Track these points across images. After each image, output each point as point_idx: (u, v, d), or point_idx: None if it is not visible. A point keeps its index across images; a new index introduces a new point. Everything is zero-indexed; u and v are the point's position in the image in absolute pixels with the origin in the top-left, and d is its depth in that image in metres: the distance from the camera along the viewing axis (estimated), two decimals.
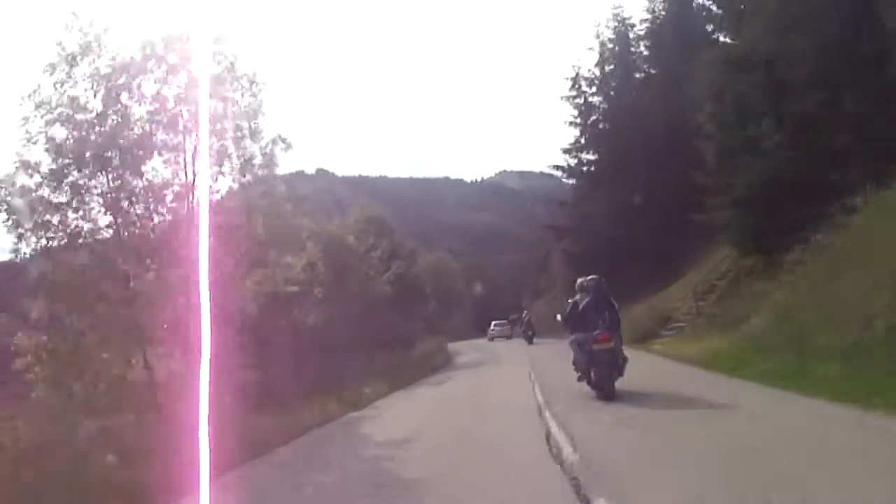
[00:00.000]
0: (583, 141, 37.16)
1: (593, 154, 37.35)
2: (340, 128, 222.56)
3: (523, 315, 36.66)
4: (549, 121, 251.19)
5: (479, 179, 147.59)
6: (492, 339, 44.79)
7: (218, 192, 12.29)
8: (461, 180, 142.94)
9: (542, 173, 76.21)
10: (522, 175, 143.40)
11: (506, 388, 14.40)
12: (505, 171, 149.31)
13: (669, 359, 15.21)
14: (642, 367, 12.35)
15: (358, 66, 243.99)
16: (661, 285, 26.49)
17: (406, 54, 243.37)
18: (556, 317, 12.10)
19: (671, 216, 27.41)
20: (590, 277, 11.00)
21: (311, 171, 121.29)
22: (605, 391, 9.73)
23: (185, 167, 11.38)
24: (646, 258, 29.00)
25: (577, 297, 10.83)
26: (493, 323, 46.68)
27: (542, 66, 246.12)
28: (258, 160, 12.31)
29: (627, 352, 10.67)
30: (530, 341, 32.41)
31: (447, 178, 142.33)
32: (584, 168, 38.08)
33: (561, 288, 37.34)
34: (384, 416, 12.84)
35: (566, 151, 37.87)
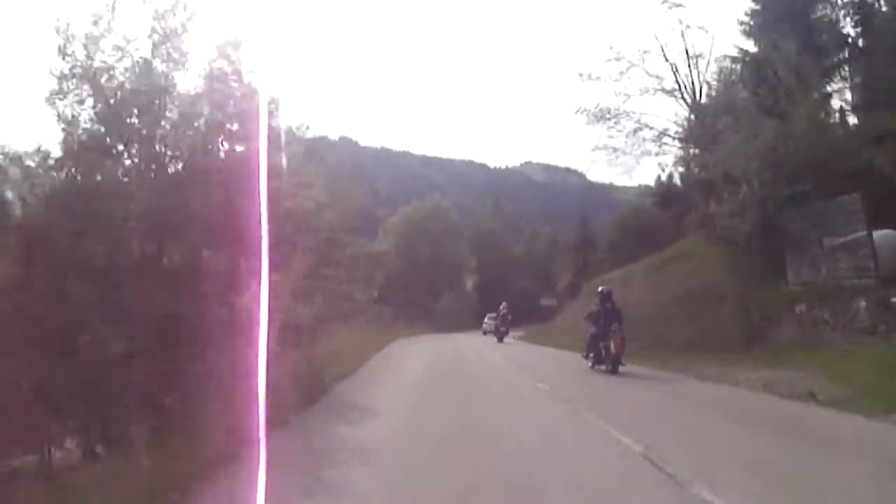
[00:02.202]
0: None
1: None
2: (368, 98, 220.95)
3: (500, 308, 33.97)
4: (576, 117, 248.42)
5: (503, 167, 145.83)
6: (485, 333, 39.22)
7: None
8: (485, 165, 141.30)
9: (567, 169, 74.60)
10: (547, 168, 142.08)
11: None
12: (530, 162, 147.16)
13: None
14: None
15: (391, 38, 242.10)
16: None
17: (439, 35, 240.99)
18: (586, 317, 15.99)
19: None
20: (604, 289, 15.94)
21: (334, 137, 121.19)
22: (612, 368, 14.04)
23: None
24: None
25: (598, 302, 15.34)
26: (487, 316, 41.63)
27: (572, 60, 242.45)
28: None
29: None
30: (500, 339, 31.23)
31: (471, 162, 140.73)
32: None
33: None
34: None
35: None
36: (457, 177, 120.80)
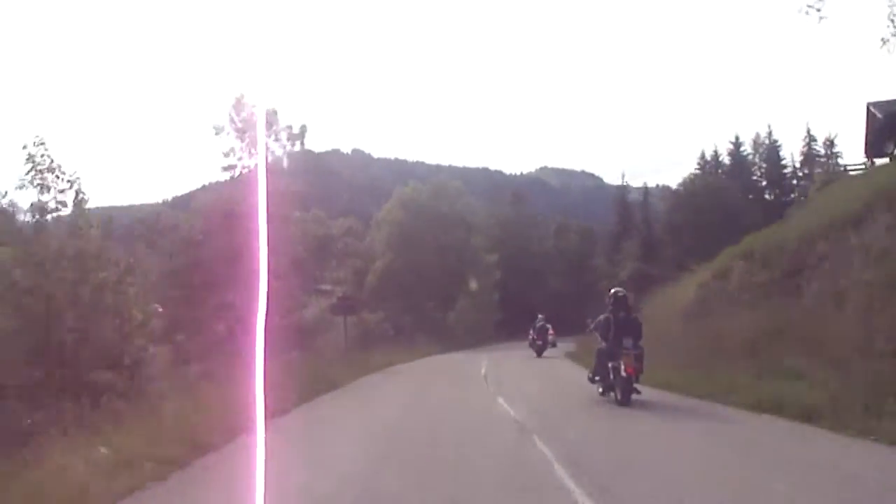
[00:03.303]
0: None
1: None
2: (380, 110, 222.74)
3: (537, 320, 28.62)
4: (590, 120, 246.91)
5: (518, 173, 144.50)
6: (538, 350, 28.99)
7: None
8: (500, 172, 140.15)
9: (582, 172, 72.82)
10: (562, 172, 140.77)
11: None
12: (546, 167, 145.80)
13: None
14: None
15: (401, 51, 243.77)
16: None
17: (449, 46, 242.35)
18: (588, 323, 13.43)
19: None
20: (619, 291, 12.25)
21: (346, 150, 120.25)
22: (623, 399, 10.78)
23: None
24: None
25: (609, 307, 11.77)
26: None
27: (586, 63, 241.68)
28: None
29: None
30: (539, 353, 27.09)
31: (486, 169, 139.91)
32: None
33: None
34: None
35: None
36: (472, 185, 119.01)
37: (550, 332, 27.83)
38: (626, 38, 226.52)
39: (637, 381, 10.78)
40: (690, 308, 19.31)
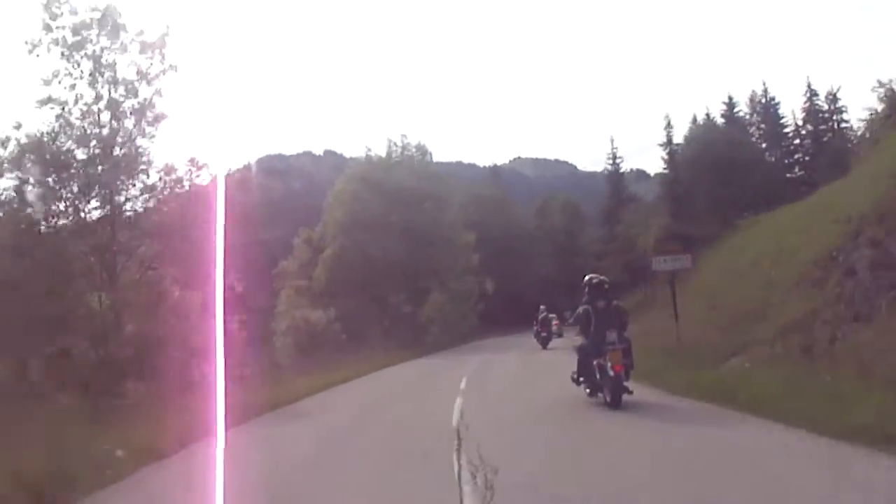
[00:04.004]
0: None
1: None
2: (350, 110, 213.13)
3: (540, 311, 27.62)
4: (563, 107, 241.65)
5: (492, 165, 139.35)
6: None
7: None
8: (474, 164, 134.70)
9: (556, 160, 68.50)
10: (537, 162, 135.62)
11: None
12: (520, 157, 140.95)
13: None
14: None
15: (369, 46, 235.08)
16: None
17: (417, 37, 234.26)
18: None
19: None
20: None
21: (318, 151, 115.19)
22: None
23: None
24: None
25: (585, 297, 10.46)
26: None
27: (556, 50, 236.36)
28: None
29: None
30: (545, 345, 26.44)
31: (460, 163, 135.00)
32: None
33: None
34: None
35: None
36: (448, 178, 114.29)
37: (555, 322, 26.95)
38: (589, 20, 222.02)
39: (627, 378, 9.64)
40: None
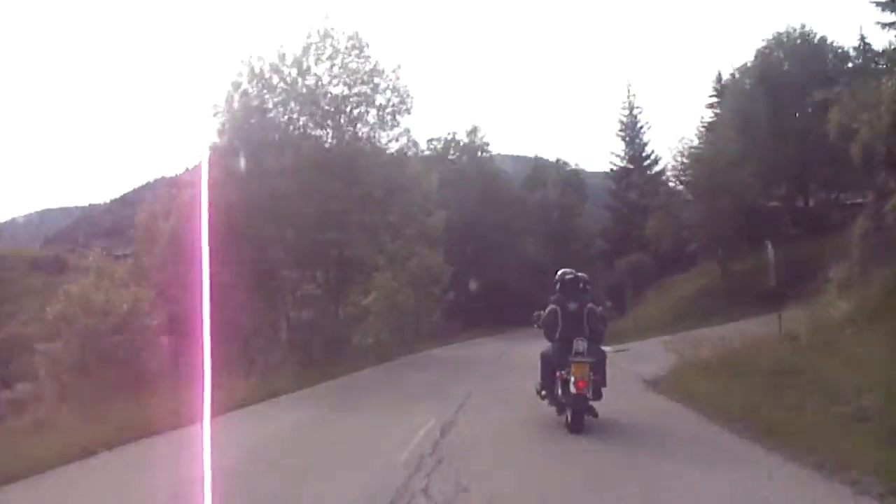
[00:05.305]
0: None
1: None
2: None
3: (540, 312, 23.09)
4: (543, 104, 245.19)
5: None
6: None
7: None
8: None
9: (536, 157, 71.65)
10: (517, 159, 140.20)
11: None
12: (499, 153, 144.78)
13: None
14: None
15: (368, 44, 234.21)
16: None
17: (398, 30, 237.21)
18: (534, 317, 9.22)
19: None
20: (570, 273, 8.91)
21: None
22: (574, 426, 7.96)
23: None
24: None
25: (555, 295, 8.80)
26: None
27: (538, 47, 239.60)
28: None
29: None
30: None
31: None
32: None
33: None
34: None
35: None
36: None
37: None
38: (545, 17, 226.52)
39: (597, 397, 8.08)
40: None
